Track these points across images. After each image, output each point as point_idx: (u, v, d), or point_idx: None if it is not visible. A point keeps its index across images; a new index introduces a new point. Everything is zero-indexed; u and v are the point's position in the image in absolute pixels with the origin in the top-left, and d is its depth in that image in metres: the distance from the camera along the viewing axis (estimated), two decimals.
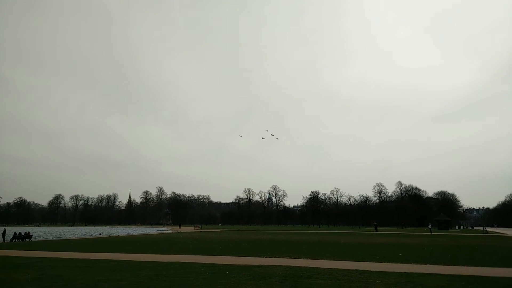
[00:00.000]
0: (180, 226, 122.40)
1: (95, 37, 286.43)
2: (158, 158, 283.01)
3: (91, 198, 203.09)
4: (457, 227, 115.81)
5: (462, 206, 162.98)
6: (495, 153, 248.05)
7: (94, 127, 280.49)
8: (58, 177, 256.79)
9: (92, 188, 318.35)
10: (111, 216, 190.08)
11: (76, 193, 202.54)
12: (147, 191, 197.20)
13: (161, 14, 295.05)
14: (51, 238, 45.89)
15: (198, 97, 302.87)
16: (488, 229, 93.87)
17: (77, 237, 50.15)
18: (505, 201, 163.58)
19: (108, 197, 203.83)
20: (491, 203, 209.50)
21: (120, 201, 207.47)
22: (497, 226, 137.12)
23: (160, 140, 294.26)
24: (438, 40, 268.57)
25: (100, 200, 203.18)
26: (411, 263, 17.06)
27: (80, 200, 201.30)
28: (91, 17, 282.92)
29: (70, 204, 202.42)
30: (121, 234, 62.02)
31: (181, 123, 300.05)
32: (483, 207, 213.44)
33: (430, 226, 74.63)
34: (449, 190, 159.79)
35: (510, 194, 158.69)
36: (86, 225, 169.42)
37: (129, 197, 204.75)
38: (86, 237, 49.96)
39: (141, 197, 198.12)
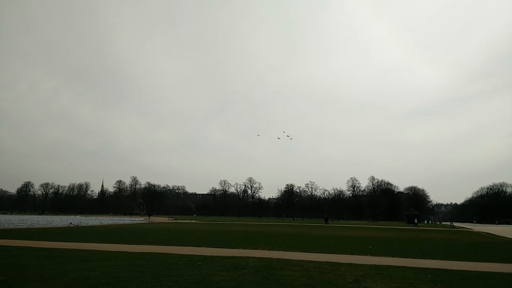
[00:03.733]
0: (149, 216, 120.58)
1: (66, 21, 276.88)
2: (132, 148, 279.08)
3: (62, 187, 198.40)
4: (425, 222, 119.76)
5: (431, 201, 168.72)
6: (463, 150, 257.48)
7: (64, 114, 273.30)
8: (28, 164, 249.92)
9: (63, 177, 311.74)
10: (82, 205, 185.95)
11: (46, 181, 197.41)
12: (121, 181, 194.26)
13: (136, 0, 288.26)
14: (19, 227, 44.54)
15: (172, 86, 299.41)
16: (455, 224, 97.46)
17: (46, 226, 48.87)
18: (472, 197, 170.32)
19: (80, 186, 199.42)
20: (459, 199, 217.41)
21: (92, 190, 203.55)
22: (463, 221, 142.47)
23: (134, 129, 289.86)
24: (413, 38, 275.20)
25: (71, 188, 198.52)
26: (380, 256, 17.51)
27: (51, 188, 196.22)
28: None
29: (40, 192, 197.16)
30: (92, 223, 60.86)
31: (155, 112, 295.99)
32: (451, 203, 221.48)
33: (416, 221, 76.92)
34: (420, 185, 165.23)
35: (477, 191, 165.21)
36: (56, 214, 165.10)
37: (102, 186, 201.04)
38: (56, 226, 48.77)
39: (114, 187, 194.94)
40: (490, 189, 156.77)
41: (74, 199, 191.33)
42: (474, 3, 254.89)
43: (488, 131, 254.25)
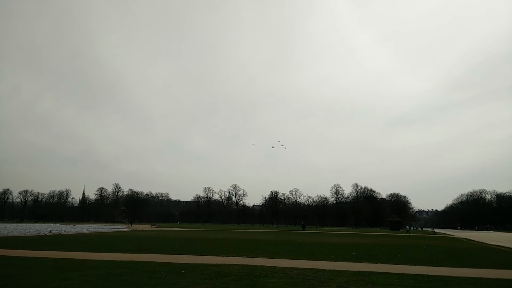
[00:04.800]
0: (131, 224, 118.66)
1: (48, 24, 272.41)
2: (114, 154, 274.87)
3: (41, 194, 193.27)
4: (407, 228, 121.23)
5: (413, 207, 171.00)
6: (444, 158, 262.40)
7: (45, 119, 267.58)
8: (6, 170, 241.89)
9: (43, 184, 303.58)
10: (63, 213, 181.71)
11: (25, 188, 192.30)
12: (103, 188, 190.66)
13: (121, 4, 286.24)
14: None
15: (156, 91, 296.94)
16: (437, 230, 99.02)
17: (25, 234, 47.60)
18: (453, 204, 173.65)
19: (60, 193, 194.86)
20: (440, 206, 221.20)
21: (73, 198, 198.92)
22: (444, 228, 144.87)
23: (117, 134, 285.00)
24: (397, 47, 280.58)
25: (51, 196, 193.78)
26: (363, 262, 17.65)
27: (30, 195, 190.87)
28: (44, 1, 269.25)
29: (18, 200, 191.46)
30: (73, 231, 59.59)
31: (138, 118, 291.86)
32: (432, 209, 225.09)
33: (407, 227, 77.58)
34: (402, 192, 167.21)
35: (457, 198, 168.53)
36: (35, 222, 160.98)
37: (83, 193, 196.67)
38: (35, 234, 47.55)
39: (96, 194, 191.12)
40: (470, 195, 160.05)
41: (54, 207, 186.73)
42: (455, 15, 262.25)
43: (468, 139, 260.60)
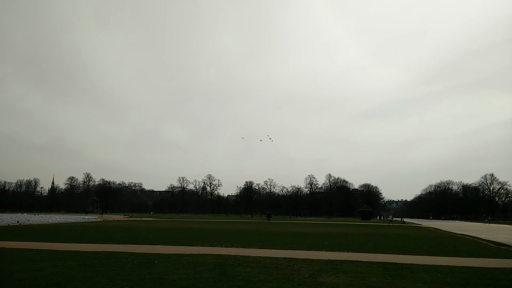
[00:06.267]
0: (102, 214, 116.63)
1: (14, 6, 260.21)
2: (85, 142, 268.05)
3: (8, 183, 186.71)
4: (378, 218, 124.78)
5: (383, 198, 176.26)
6: (414, 150, 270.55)
7: (11, 106, 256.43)
8: None
9: (10, 172, 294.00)
10: (32, 202, 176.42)
11: None
12: (73, 177, 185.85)
13: None
14: None
15: (129, 79, 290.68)
16: (405, 219, 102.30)
17: None
18: (421, 194, 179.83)
19: (29, 182, 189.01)
20: (409, 196, 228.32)
21: (42, 187, 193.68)
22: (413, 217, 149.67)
23: (88, 123, 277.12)
24: (370, 40, 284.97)
25: (19, 185, 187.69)
26: (335, 251, 18.02)
27: None
28: None
29: None
30: (42, 221, 57.96)
31: (111, 106, 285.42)
32: (402, 200, 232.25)
33: (390, 217, 79.34)
34: (373, 183, 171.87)
35: (426, 188, 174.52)
36: (2, 212, 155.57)
37: (52, 183, 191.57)
38: (2, 224, 45.96)
39: (66, 184, 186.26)
40: (438, 186, 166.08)
41: (22, 196, 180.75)
42: (428, 8, 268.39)
43: (437, 132, 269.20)
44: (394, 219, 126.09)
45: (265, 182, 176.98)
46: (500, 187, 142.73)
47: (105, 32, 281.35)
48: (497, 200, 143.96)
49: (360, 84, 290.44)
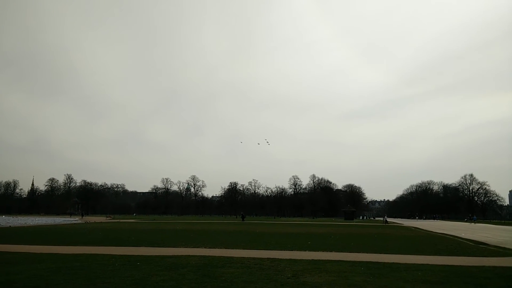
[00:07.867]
0: (83, 216, 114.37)
1: None
2: (66, 143, 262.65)
3: None
4: (361, 217, 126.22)
5: (366, 198, 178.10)
6: (396, 151, 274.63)
7: None
8: None
9: None
10: (10, 204, 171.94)
11: None
12: (53, 179, 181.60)
13: None
14: None
15: (112, 79, 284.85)
16: (388, 219, 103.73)
17: None
18: (403, 194, 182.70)
19: (7, 184, 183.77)
20: (391, 196, 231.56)
21: (21, 189, 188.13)
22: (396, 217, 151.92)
23: (69, 123, 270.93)
24: (353, 42, 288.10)
25: None
26: (318, 251, 18.15)
27: None
28: None
29: None
30: (20, 224, 56.58)
31: (93, 106, 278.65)
32: (384, 200, 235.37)
33: (385, 218, 79.87)
34: (356, 183, 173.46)
35: (407, 188, 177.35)
36: None
37: (32, 184, 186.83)
38: None
39: (46, 185, 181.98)
40: (419, 186, 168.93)
41: (0, 198, 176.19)
42: (410, 10, 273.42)
43: (418, 133, 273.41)
44: (376, 218, 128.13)
45: (250, 183, 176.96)
46: (479, 187, 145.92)
47: (90, 31, 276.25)
48: (476, 199, 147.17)
49: (343, 85, 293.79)
